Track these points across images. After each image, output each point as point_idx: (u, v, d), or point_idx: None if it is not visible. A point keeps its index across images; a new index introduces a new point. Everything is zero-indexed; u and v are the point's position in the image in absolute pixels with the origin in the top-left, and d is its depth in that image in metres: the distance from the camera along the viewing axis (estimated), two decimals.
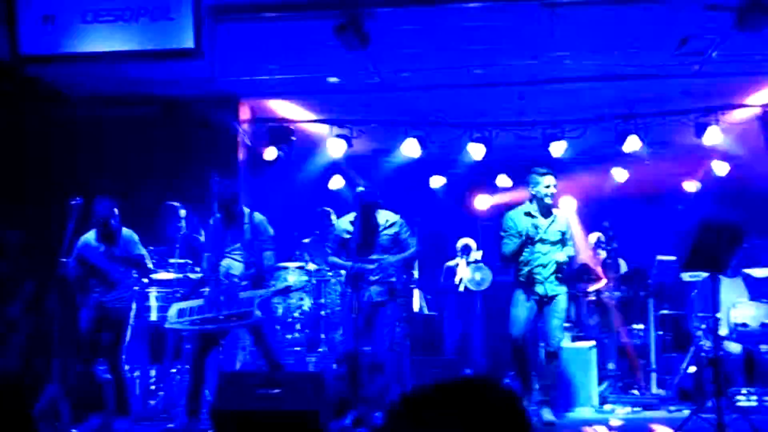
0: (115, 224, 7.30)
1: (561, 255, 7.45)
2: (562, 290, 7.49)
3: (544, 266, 7.44)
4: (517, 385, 7.68)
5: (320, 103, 10.07)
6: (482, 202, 12.15)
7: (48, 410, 6.71)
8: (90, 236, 7.36)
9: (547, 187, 7.50)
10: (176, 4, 7.10)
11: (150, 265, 7.59)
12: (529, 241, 7.42)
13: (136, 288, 7.67)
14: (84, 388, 7.29)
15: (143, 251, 7.46)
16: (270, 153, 10.04)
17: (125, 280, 7.38)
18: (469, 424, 1.92)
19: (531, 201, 7.60)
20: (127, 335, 7.34)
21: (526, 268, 7.45)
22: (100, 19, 7.21)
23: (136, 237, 7.45)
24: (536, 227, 7.45)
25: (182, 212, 8.29)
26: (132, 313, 7.39)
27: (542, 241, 7.47)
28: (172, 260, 8.25)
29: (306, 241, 9.61)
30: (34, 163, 9.23)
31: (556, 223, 7.56)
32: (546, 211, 7.55)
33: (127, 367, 7.63)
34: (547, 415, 7.33)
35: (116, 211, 7.36)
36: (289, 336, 8.61)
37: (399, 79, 9.16)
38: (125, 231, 7.42)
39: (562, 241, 7.56)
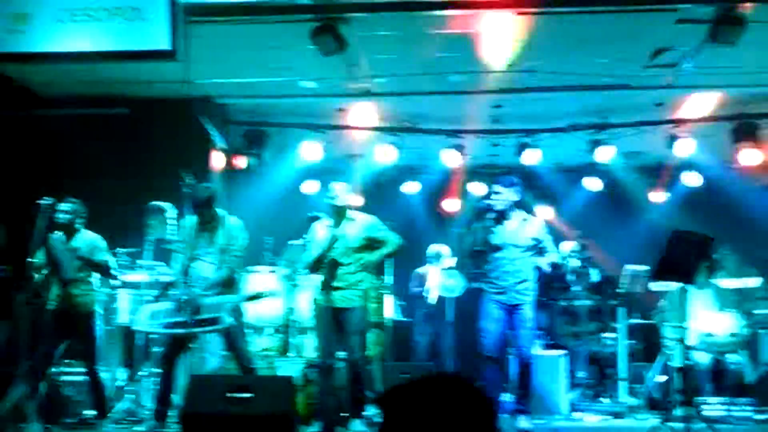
0: (78, 226, 7.26)
1: (544, 261, 7.45)
2: (526, 299, 7.43)
3: (509, 273, 7.41)
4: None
5: (295, 107, 10.06)
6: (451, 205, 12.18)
7: (14, 412, 6.64)
8: (57, 234, 7.29)
9: (497, 194, 7.53)
10: (152, 5, 7.06)
11: (114, 272, 7.52)
12: (494, 246, 7.43)
13: (97, 291, 7.54)
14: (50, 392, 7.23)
15: (107, 257, 7.40)
16: (242, 162, 10.06)
17: (85, 281, 7.30)
18: (446, 414, 2.10)
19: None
20: (95, 340, 7.28)
21: (492, 275, 7.43)
22: (74, 19, 7.15)
23: (100, 242, 7.38)
24: (502, 232, 7.46)
25: (170, 213, 8.23)
26: (95, 317, 7.32)
27: (509, 246, 7.45)
28: (142, 262, 8.18)
29: (293, 243, 9.50)
30: (3, 163, 9.13)
31: (523, 230, 7.52)
32: (506, 217, 7.54)
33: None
34: (523, 422, 7.32)
35: (82, 213, 7.31)
36: (259, 340, 8.57)
37: (374, 84, 9.17)
38: (90, 234, 7.36)
39: (536, 249, 7.52)
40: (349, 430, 7.00)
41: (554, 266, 7.64)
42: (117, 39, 7.14)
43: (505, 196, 7.51)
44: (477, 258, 7.55)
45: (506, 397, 7.66)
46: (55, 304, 7.21)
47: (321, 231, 7.29)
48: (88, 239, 7.33)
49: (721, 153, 10.49)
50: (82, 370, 7.43)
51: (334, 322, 7.10)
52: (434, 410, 2.12)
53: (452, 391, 2.17)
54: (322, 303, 7.08)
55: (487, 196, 7.63)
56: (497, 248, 7.44)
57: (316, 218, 8.37)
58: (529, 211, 7.75)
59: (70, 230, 7.26)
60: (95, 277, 7.49)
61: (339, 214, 7.23)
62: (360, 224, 7.25)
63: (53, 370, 7.38)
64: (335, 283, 7.12)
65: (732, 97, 9.51)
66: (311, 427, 7.15)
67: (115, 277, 7.59)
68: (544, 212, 11.96)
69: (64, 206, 7.23)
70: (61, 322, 7.19)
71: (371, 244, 7.22)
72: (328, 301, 7.06)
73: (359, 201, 10.21)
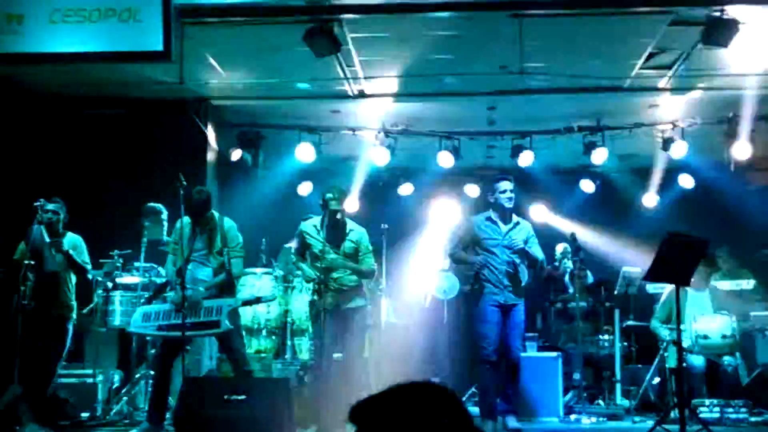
0: (60, 227, 7.24)
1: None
2: (520, 300, 7.45)
3: (504, 274, 7.42)
4: (484, 403, 7.55)
5: (289, 109, 10.05)
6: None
7: (8, 412, 6.60)
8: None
9: (503, 192, 7.52)
10: (145, 6, 7.04)
11: (89, 275, 7.48)
12: (489, 247, 7.44)
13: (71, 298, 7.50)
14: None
15: (86, 259, 7.38)
16: (236, 155, 10.05)
17: (67, 285, 7.27)
18: (419, 422, 2.07)
19: (492, 208, 7.61)
20: (66, 341, 7.26)
21: (487, 275, 7.43)
22: (67, 20, 7.13)
23: (82, 243, 7.36)
24: (497, 234, 7.47)
25: (164, 214, 8.22)
26: (71, 321, 7.30)
27: (502, 247, 7.47)
28: (137, 264, 8.16)
29: (288, 245, 9.47)
30: None
31: (517, 231, 7.54)
32: (506, 217, 7.55)
33: (89, 371, 7.54)
34: (512, 422, 7.33)
35: (62, 214, 7.28)
36: (255, 342, 8.55)
37: (368, 86, 9.17)
38: (71, 235, 7.34)
39: (523, 251, 7.55)
40: None
41: (534, 266, 7.64)
42: (111, 40, 7.13)
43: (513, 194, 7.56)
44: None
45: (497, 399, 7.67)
46: (34, 303, 7.16)
47: (313, 232, 7.27)
48: (71, 239, 7.32)
49: (714, 154, 10.50)
50: (76, 372, 7.42)
51: (331, 324, 7.09)
52: (408, 419, 2.11)
53: (427, 398, 2.15)
54: (318, 305, 7.06)
55: (492, 195, 7.61)
56: (493, 249, 7.46)
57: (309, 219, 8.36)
58: (522, 213, 7.76)
59: (54, 230, 7.24)
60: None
61: (333, 218, 7.19)
62: (354, 234, 7.27)
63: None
64: (331, 286, 7.11)
65: (725, 98, 9.51)
66: (307, 429, 7.13)
67: (89, 280, 7.53)
68: (539, 213, 11.97)
69: (49, 206, 7.21)
70: (38, 321, 7.14)
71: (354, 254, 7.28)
72: (324, 302, 7.04)
73: (354, 204, 10.20)
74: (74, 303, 7.44)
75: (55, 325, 7.23)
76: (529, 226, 7.74)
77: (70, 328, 7.34)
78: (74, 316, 7.40)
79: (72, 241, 7.33)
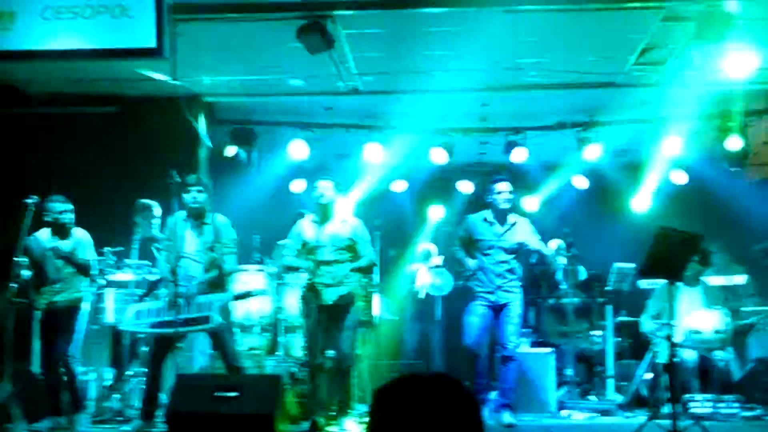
0: (67, 223, 7.20)
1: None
2: (514, 297, 7.49)
3: (497, 274, 7.44)
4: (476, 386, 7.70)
5: (283, 105, 10.04)
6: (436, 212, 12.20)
7: None
8: (42, 233, 7.24)
9: (499, 193, 7.53)
10: (137, 2, 7.02)
11: (95, 272, 7.46)
12: (483, 247, 7.46)
13: (82, 290, 7.47)
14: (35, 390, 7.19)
15: (93, 256, 7.34)
16: (230, 152, 10.04)
17: (72, 280, 7.23)
18: (432, 412, 2.13)
19: (489, 208, 7.63)
20: (75, 335, 7.22)
21: (480, 275, 7.47)
22: (59, 17, 7.10)
23: (89, 239, 7.33)
24: (492, 234, 7.49)
25: (157, 210, 8.19)
26: (81, 314, 7.27)
27: (497, 248, 7.48)
28: (129, 261, 8.14)
29: (282, 242, 9.46)
30: None
31: (513, 232, 7.56)
32: (502, 218, 7.56)
33: (82, 369, 7.52)
34: (507, 417, 7.36)
35: (70, 209, 7.26)
36: (247, 339, 8.54)
37: (362, 82, 9.16)
38: (79, 231, 7.31)
39: (518, 251, 7.58)
40: (337, 428, 6.99)
41: (541, 258, 7.70)
42: (103, 37, 7.09)
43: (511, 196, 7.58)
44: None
45: (492, 394, 7.69)
46: (43, 303, 7.17)
47: (307, 227, 7.27)
48: (78, 237, 7.30)
49: (708, 150, 10.51)
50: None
51: (324, 320, 7.09)
52: (421, 408, 2.14)
53: (438, 389, 2.19)
54: (311, 300, 7.06)
55: (490, 195, 7.62)
56: (488, 249, 7.49)
57: (303, 215, 8.35)
58: (515, 208, 7.77)
59: (64, 229, 7.22)
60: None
61: (326, 211, 7.21)
62: (349, 224, 7.26)
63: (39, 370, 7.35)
64: (325, 281, 7.11)
65: (718, 94, 9.52)
66: (299, 425, 7.14)
67: (93, 278, 7.51)
68: (531, 208, 11.98)
69: (61, 206, 7.16)
70: (49, 320, 7.16)
71: (353, 246, 7.26)
72: (317, 298, 7.04)
73: (347, 200, 10.19)
74: (82, 296, 7.39)
75: (64, 321, 7.19)
76: (528, 224, 7.75)
77: (78, 321, 7.28)
78: (84, 307, 7.34)
79: (77, 240, 7.28)
